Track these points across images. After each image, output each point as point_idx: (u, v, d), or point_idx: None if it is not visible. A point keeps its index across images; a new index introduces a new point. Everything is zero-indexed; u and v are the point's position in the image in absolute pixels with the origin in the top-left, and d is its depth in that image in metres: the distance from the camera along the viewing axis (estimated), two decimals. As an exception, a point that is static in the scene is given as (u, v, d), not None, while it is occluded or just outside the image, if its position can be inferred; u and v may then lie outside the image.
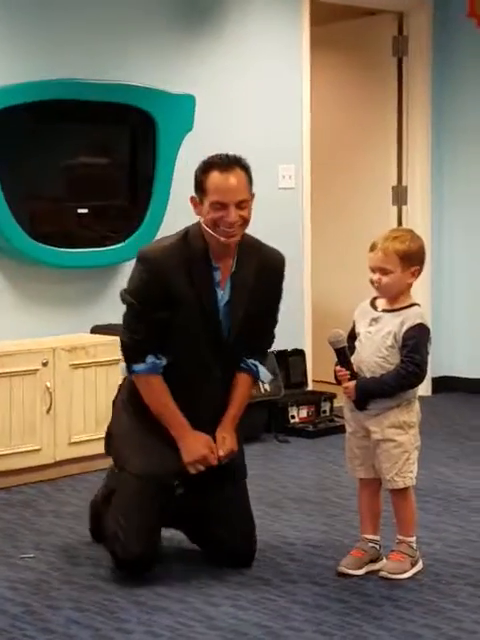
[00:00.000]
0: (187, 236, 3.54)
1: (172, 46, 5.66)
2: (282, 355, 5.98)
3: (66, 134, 5.14)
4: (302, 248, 6.29)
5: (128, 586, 3.46)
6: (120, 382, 3.79)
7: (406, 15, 6.79)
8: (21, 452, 4.72)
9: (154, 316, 3.50)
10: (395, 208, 6.89)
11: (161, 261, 3.48)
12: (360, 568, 3.56)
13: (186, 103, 5.41)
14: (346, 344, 3.51)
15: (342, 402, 3.68)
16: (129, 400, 3.65)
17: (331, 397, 5.97)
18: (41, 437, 4.78)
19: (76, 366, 4.87)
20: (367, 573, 3.56)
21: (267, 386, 3.82)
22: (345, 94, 7.13)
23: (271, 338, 3.80)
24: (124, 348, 3.57)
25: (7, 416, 4.68)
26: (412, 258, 3.50)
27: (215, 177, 3.47)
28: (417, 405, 3.58)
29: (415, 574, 3.55)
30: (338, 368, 3.53)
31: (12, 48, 5.09)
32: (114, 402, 3.77)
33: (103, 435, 3.79)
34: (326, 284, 6.82)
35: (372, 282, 3.52)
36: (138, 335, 3.52)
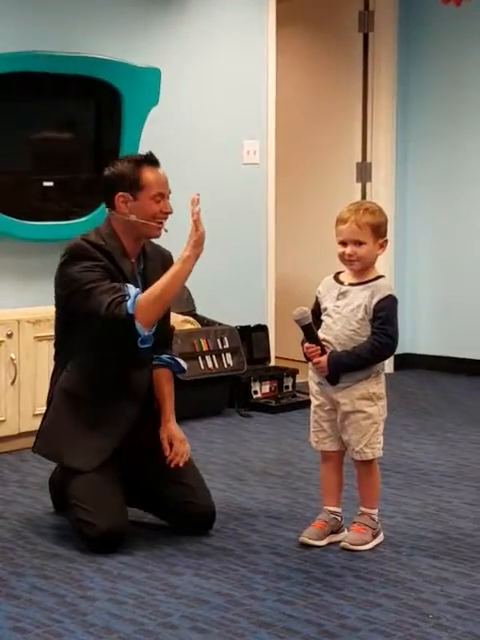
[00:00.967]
0: (100, 234, 3.65)
1: (137, 20, 5.64)
2: (245, 330, 6.01)
3: (31, 107, 5.13)
4: (266, 224, 6.31)
5: (92, 555, 3.48)
6: (51, 378, 3.80)
7: (372, -9, 6.81)
8: (-16, 424, 4.72)
9: (105, 279, 3.55)
10: (359, 185, 6.93)
11: (93, 252, 3.59)
12: (322, 539, 3.60)
13: (151, 76, 5.41)
14: (311, 320, 3.51)
15: (309, 375, 3.67)
16: (65, 392, 3.69)
17: (293, 373, 6.01)
18: (5, 408, 4.79)
19: (40, 338, 4.87)
20: (328, 544, 3.60)
21: (183, 365, 3.88)
22: (311, 70, 7.14)
23: (172, 331, 3.95)
24: (107, 310, 3.48)
25: (-30, 388, 4.68)
26: (381, 230, 3.53)
27: (149, 173, 3.64)
28: (383, 377, 3.61)
29: (376, 546, 3.59)
30: (307, 345, 3.52)
31: (-23, 18, 5.06)
32: (50, 399, 3.78)
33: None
34: (290, 260, 6.84)
35: (343, 255, 3.52)
36: (102, 287, 3.51)
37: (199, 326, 5.68)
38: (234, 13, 6.05)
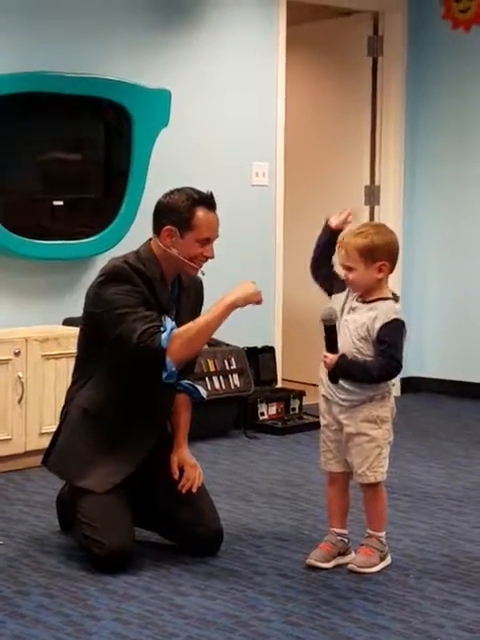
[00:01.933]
0: (141, 258, 3.63)
1: (149, 41, 5.67)
2: (252, 352, 6.00)
3: (41, 127, 5.14)
4: (274, 246, 6.32)
5: (98, 574, 3.47)
6: (68, 393, 3.78)
7: (381, 16, 6.83)
8: (-9, 442, 4.72)
9: (141, 305, 3.54)
10: (368, 208, 6.93)
11: (133, 276, 3.57)
12: (328, 561, 3.58)
13: (162, 98, 5.43)
14: (335, 323, 3.47)
15: (319, 394, 3.66)
16: (86, 411, 3.66)
17: (300, 394, 6.00)
18: (12, 427, 4.79)
19: (48, 357, 4.87)
20: (335, 566, 3.58)
21: (203, 393, 3.88)
22: (320, 93, 7.16)
23: (197, 356, 3.93)
24: (140, 337, 3.45)
25: (-22, 406, 4.68)
26: (375, 253, 3.45)
27: (202, 214, 3.61)
28: (392, 401, 3.59)
29: (383, 568, 3.57)
30: (324, 354, 3.48)
31: (-12, 39, 5.09)
32: (65, 414, 3.75)
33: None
34: (298, 282, 6.81)
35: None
36: (137, 314, 3.49)
37: (206, 346, 5.67)
38: (244, 36, 6.08)
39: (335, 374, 3.50)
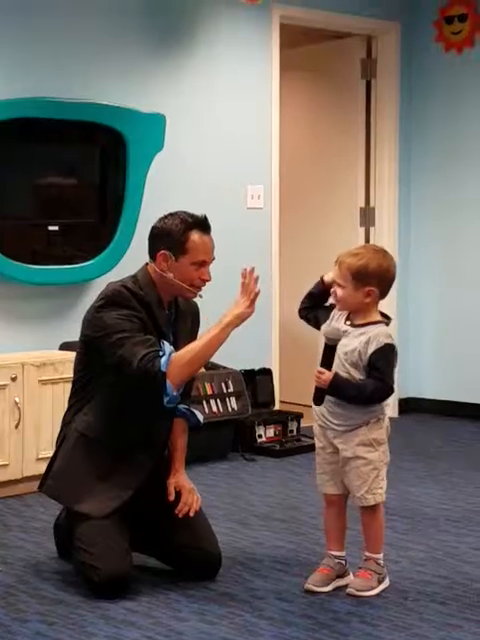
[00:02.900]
0: (138, 282, 3.64)
1: (143, 66, 5.70)
2: (250, 374, 6.00)
3: (37, 152, 5.16)
4: (270, 268, 6.32)
5: (96, 601, 3.45)
6: (65, 417, 3.78)
7: (374, 39, 6.87)
8: (-12, 468, 4.71)
9: (140, 330, 3.55)
10: (363, 229, 6.95)
11: (131, 301, 3.58)
12: (327, 585, 3.57)
13: (156, 122, 5.45)
14: (336, 345, 3.46)
15: (313, 417, 3.65)
16: (83, 436, 3.66)
17: (298, 417, 5.99)
18: (9, 452, 4.78)
19: (45, 382, 4.87)
20: (334, 589, 3.57)
21: (200, 418, 3.88)
22: (314, 116, 7.20)
23: (193, 382, 3.91)
24: (140, 362, 3.45)
25: (-26, 432, 4.67)
26: (365, 277, 3.44)
27: (197, 237, 3.61)
28: (386, 422, 3.59)
29: (382, 591, 3.56)
30: (318, 369, 3.46)
31: (-17, 65, 5.12)
32: (62, 439, 3.74)
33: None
34: (294, 304, 6.80)
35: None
36: (136, 338, 3.50)
37: (203, 370, 5.67)
38: (238, 59, 6.11)
39: (322, 394, 3.48)
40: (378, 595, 3.53)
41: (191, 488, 3.74)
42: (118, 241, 5.34)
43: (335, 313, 3.59)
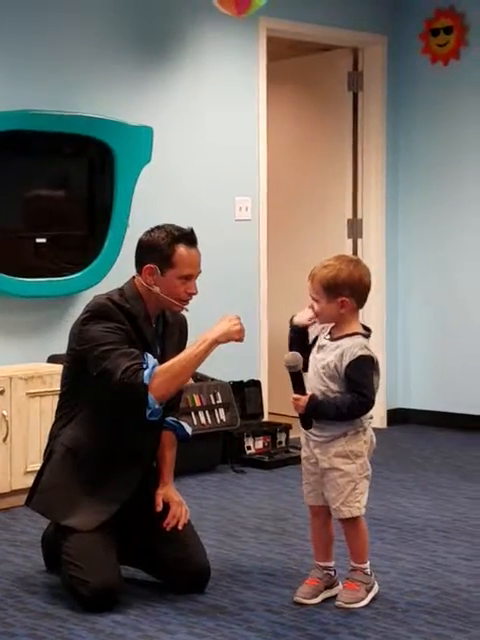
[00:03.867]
0: (125, 295, 3.64)
1: (130, 79, 5.71)
2: (238, 386, 6.00)
3: (24, 165, 5.16)
4: (258, 280, 6.33)
5: (84, 614, 3.44)
6: (51, 431, 3.77)
7: (361, 51, 6.90)
8: (-24, 481, 4.69)
9: (125, 342, 3.54)
10: (350, 241, 6.97)
11: (117, 314, 3.57)
12: (316, 597, 3.56)
13: (144, 135, 5.45)
14: (301, 368, 3.47)
15: (300, 430, 3.67)
16: (70, 450, 3.65)
17: (287, 428, 5.99)
18: (-4, 466, 4.77)
19: (33, 395, 4.86)
20: (323, 600, 3.56)
21: (189, 430, 3.88)
22: (301, 128, 7.21)
23: (180, 394, 3.90)
24: (123, 374, 3.45)
25: (-38, 445, 4.66)
26: (337, 288, 3.43)
27: (183, 251, 3.60)
28: (368, 435, 3.56)
29: (371, 601, 3.55)
30: (294, 396, 3.49)
31: (-30, 78, 5.12)
32: (49, 452, 3.73)
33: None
34: (282, 316, 6.81)
35: None
36: (121, 350, 3.49)
37: (192, 381, 5.67)
38: (226, 72, 6.13)
39: (307, 418, 3.49)
40: (368, 606, 3.52)
41: (179, 501, 3.73)
42: (106, 253, 5.34)
43: (316, 329, 3.58)
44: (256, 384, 6.18)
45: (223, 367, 5.72)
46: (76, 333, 3.63)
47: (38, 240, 5.21)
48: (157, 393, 3.48)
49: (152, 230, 3.67)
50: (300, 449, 3.70)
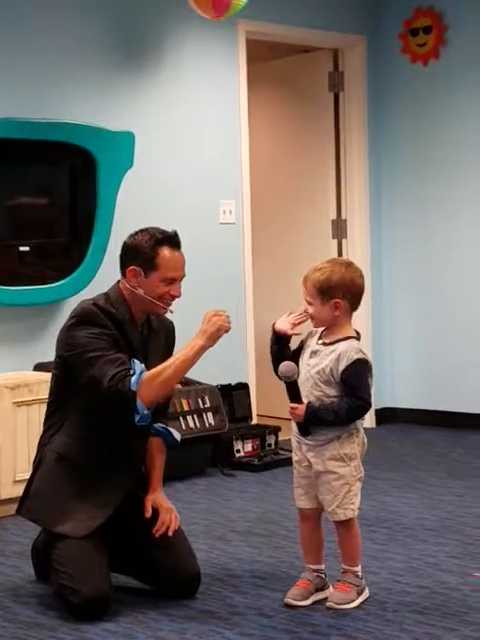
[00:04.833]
0: (110, 300, 3.64)
1: (110, 84, 5.71)
2: (226, 389, 6.00)
3: (5, 173, 5.15)
4: (244, 283, 6.34)
5: (75, 623, 3.44)
6: (40, 440, 3.76)
7: (341, 52, 6.91)
8: (-35, 491, 4.68)
9: (111, 348, 3.54)
10: (335, 241, 6.98)
11: (103, 319, 3.57)
12: (306, 599, 3.57)
13: (125, 140, 5.45)
14: (297, 378, 3.48)
15: (291, 430, 3.66)
16: (60, 457, 3.65)
17: (276, 430, 6.00)
18: (-15, 476, 4.75)
19: (19, 404, 4.85)
20: (314, 603, 3.57)
21: (177, 436, 3.88)
22: (283, 129, 7.22)
23: (168, 400, 3.90)
24: (110, 382, 3.46)
25: None
26: (331, 290, 3.45)
27: (167, 253, 3.61)
28: (361, 437, 3.58)
29: (362, 603, 3.56)
30: (291, 405, 3.49)
31: None
32: (38, 461, 3.72)
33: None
34: (268, 318, 6.81)
35: None
36: (107, 357, 3.49)
37: (179, 386, 5.67)
38: (206, 75, 6.13)
39: (305, 426, 3.50)
40: (358, 607, 3.53)
41: (169, 507, 3.73)
42: (90, 259, 5.33)
43: (312, 332, 3.59)
44: (244, 387, 6.18)
45: (211, 371, 5.72)
46: (62, 339, 3.64)
47: (21, 248, 5.20)
48: (146, 399, 3.49)
49: (136, 233, 3.68)
50: (290, 451, 3.71)
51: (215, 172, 6.18)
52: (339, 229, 6.97)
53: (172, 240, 3.64)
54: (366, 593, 3.61)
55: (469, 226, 6.67)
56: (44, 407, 4.79)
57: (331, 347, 3.50)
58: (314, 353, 3.53)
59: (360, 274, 3.56)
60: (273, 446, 5.96)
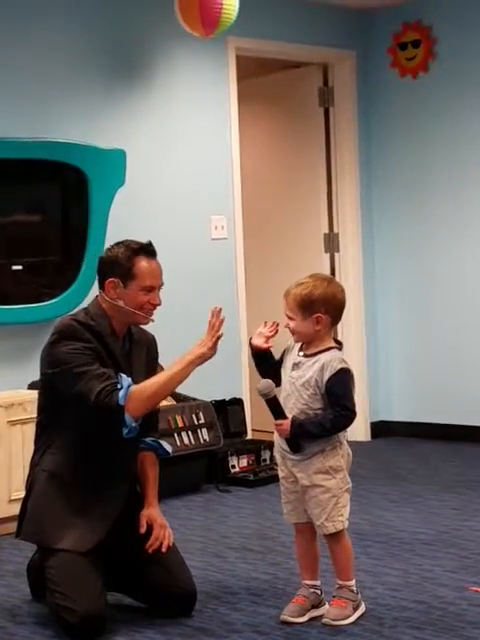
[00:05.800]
0: (89, 313, 3.67)
1: (101, 102, 5.72)
2: (221, 404, 6.00)
3: (-2, 192, 5.17)
4: (236, 298, 6.34)
5: (71, 643, 3.44)
6: (31, 460, 3.76)
7: (331, 67, 6.94)
8: (-40, 511, 4.67)
9: (94, 362, 3.55)
10: (328, 255, 6.99)
11: (83, 333, 3.59)
12: (302, 615, 3.57)
13: (117, 158, 5.47)
14: (275, 394, 3.50)
15: (274, 447, 3.67)
16: (52, 475, 3.64)
17: (271, 445, 5.97)
18: (-20, 495, 4.74)
19: (14, 422, 4.85)
20: (310, 620, 3.56)
21: (168, 448, 3.89)
22: (274, 145, 7.24)
23: (157, 413, 3.91)
24: (98, 397, 3.47)
25: None
26: (312, 305, 3.47)
27: (144, 263, 3.65)
28: (345, 449, 3.57)
29: (358, 618, 3.55)
30: (275, 422, 3.52)
31: None
32: (31, 483, 3.72)
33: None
34: (262, 333, 6.86)
35: None
36: (93, 372, 3.50)
37: (174, 402, 5.67)
38: (196, 92, 6.15)
39: (296, 441, 3.50)
40: (355, 623, 3.52)
41: (162, 523, 3.73)
42: (83, 277, 5.34)
43: (290, 346, 3.60)
44: (238, 402, 6.18)
45: (205, 386, 5.73)
46: (45, 357, 3.65)
47: (14, 267, 5.21)
48: (134, 413, 3.51)
49: (111, 247, 3.73)
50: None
51: (206, 188, 6.20)
52: (331, 243, 6.99)
53: (147, 249, 3.68)
54: (362, 608, 3.61)
55: (461, 239, 6.68)
56: (36, 427, 4.80)
57: (313, 358, 3.51)
58: (296, 365, 3.54)
59: (342, 289, 3.58)
60: (268, 461, 5.96)
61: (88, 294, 5.28)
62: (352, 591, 3.59)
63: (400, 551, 4.38)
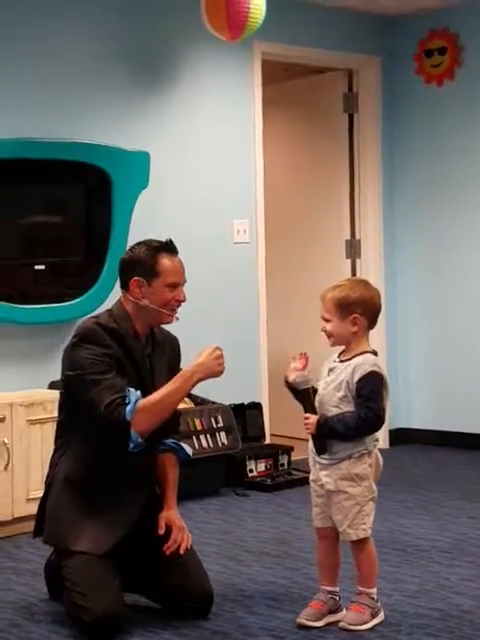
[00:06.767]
0: (113, 315, 3.67)
1: (126, 104, 5.74)
2: (239, 408, 6.00)
3: (22, 192, 5.18)
4: (257, 302, 6.34)
5: (88, 643, 3.45)
6: (52, 459, 3.77)
7: (355, 73, 6.93)
8: (-22, 509, 4.68)
9: (111, 371, 3.55)
10: (349, 261, 6.98)
11: (104, 337, 3.59)
12: (319, 620, 3.56)
13: (141, 160, 5.48)
14: (307, 388, 3.50)
15: (308, 449, 3.65)
16: (68, 479, 3.65)
17: (289, 450, 5.98)
18: (-2, 494, 4.76)
19: (33, 422, 4.86)
20: (327, 624, 3.55)
21: (189, 451, 3.89)
22: (298, 150, 7.24)
23: (179, 415, 3.91)
24: (106, 409, 3.48)
25: (-36, 473, 4.65)
26: (348, 306, 3.48)
27: (166, 260, 3.66)
28: (374, 457, 3.56)
29: (375, 625, 3.54)
30: (305, 416, 3.50)
31: (-33, 107, 5.15)
32: (50, 481, 3.73)
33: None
34: (282, 337, 6.86)
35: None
36: (106, 381, 3.51)
37: (193, 405, 5.67)
38: (221, 95, 6.16)
39: (322, 442, 3.50)
40: (371, 629, 3.51)
41: (181, 526, 3.73)
42: (105, 278, 5.35)
43: (326, 365, 3.60)
44: (257, 406, 6.18)
45: (223, 390, 5.73)
46: (66, 359, 3.66)
47: (37, 267, 5.22)
48: (139, 428, 3.50)
49: (132, 247, 3.74)
50: (303, 471, 3.71)
51: (229, 192, 6.20)
52: (353, 249, 6.98)
53: (168, 247, 3.69)
54: (381, 616, 3.59)
55: (483, 247, 6.67)
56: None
57: (347, 362, 3.52)
58: (331, 370, 3.55)
59: (378, 294, 3.60)
60: (286, 466, 5.95)
61: (110, 295, 5.29)
62: (372, 598, 3.58)
63: (417, 559, 4.37)
